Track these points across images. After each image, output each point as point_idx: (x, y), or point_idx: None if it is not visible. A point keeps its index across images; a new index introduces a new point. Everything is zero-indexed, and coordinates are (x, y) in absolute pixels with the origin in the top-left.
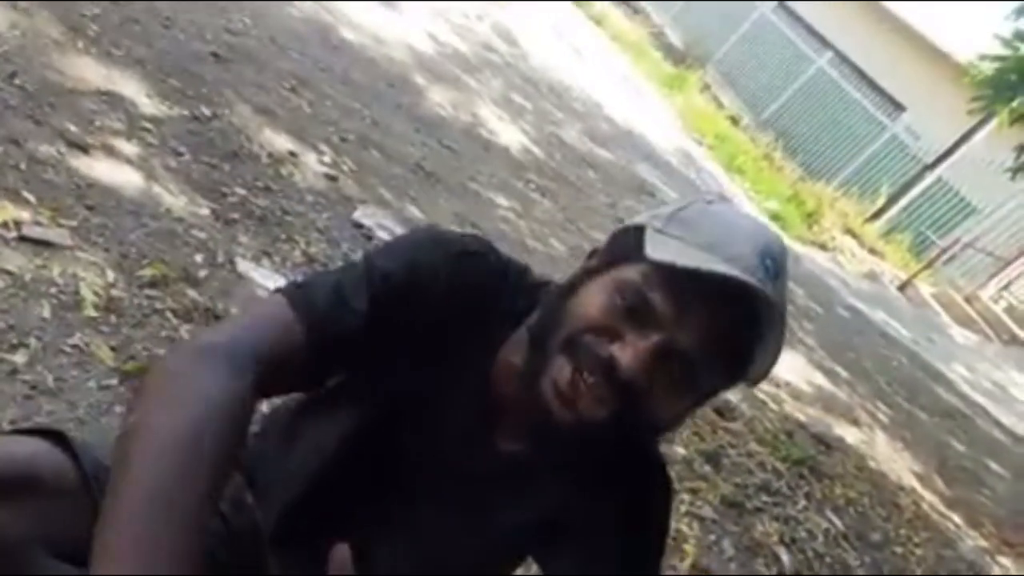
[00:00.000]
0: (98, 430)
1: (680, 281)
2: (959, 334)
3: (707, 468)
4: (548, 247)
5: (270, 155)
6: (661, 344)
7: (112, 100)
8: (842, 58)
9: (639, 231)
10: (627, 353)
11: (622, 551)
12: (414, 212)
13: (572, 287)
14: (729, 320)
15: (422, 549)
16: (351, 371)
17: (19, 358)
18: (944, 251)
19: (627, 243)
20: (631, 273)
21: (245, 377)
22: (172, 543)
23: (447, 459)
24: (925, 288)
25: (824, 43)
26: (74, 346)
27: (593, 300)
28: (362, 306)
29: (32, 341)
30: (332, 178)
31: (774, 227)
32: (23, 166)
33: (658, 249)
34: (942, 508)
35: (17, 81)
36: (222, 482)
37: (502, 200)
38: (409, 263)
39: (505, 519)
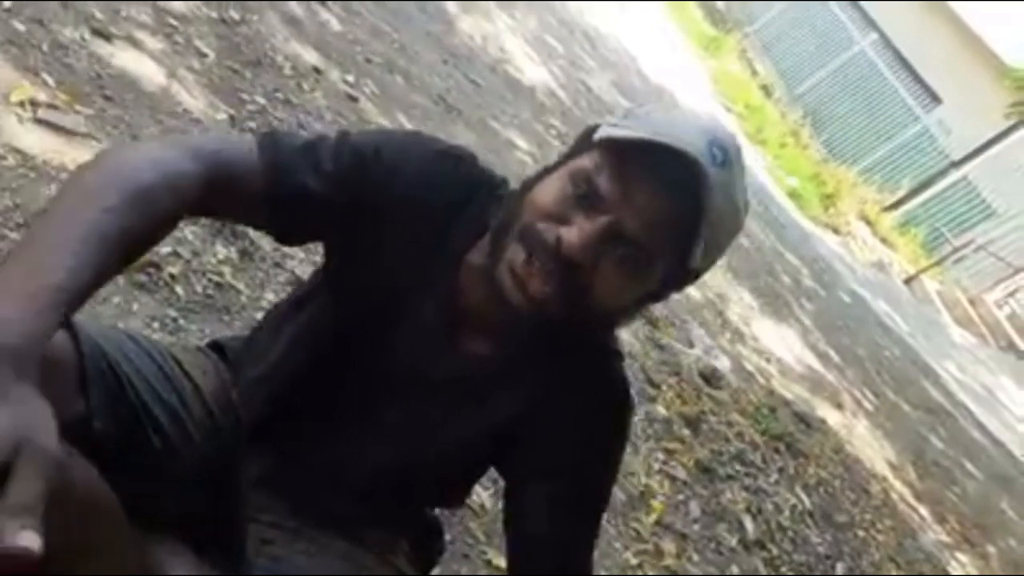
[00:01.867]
0: (92, 315)
1: (625, 160)
2: (957, 334)
3: (686, 431)
4: None
5: (294, 68)
6: (607, 225)
7: None
8: (886, 42)
9: (595, 127)
10: (573, 233)
11: (577, 461)
12: None
13: (532, 182)
14: (671, 196)
15: (387, 449)
16: (313, 240)
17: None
18: (956, 250)
19: (583, 139)
20: (583, 162)
21: (196, 165)
22: (44, 271)
23: (414, 361)
24: (931, 284)
25: (871, 25)
26: None
27: (547, 190)
28: (328, 167)
29: None
30: (353, 99)
31: (791, 203)
32: (45, 47)
33: (605, 132)
34: (910, 499)
35: None
36: (136, 240)
37: (521, 142)
38: (383, 146)
39: (467, 423)
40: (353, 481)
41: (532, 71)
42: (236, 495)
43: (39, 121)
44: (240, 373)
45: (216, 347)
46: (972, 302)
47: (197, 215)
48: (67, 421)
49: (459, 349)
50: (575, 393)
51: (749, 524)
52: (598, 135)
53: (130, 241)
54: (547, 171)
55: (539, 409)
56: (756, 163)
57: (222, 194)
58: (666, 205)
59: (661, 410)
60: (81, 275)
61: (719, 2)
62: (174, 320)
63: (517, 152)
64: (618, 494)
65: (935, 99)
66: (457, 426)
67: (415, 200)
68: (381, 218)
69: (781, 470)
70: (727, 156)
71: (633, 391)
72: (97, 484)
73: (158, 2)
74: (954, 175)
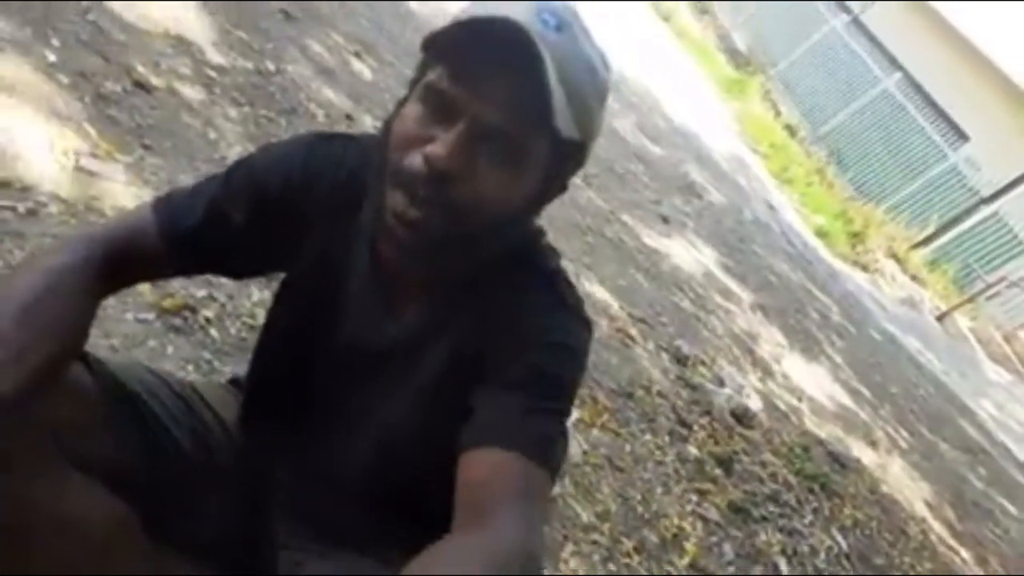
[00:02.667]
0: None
1: (460, 56)
2: (992, 371)
3: (718, 471)
4: (588, 237)
5: (327, 115)
6: (466, 126)
7: (180, 45)
8: (910, 81)
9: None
10: (437, 147)
11: (523, 377)
12: None
13: (388, 123)
14: (511, 72)
15: (364, 438)
16: (250, 263)
17: None
18: (989, 287)
19: (421, 60)
20: (427, 79)
21: (83, 252)
22: None
23: (358, 342)
24: (964, 321)
25: (894, 64)
26: None
27: (404, 121)
28: (219, 195)
29: None
30: None
31: (819, 241)
32: (88, 100)
33: (432, 33)
34: (950, 541)
35: (91, 17)
36: (57, 334)
37: None
38: (268, 151)
39: (423, 388)
40: (350, 485)
41: None
42: (265, 517)
43: (80, 169)
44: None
45: (238, 383)
46: (1007, 338)
47: (114, 289)
48: (94, 457)
49: (395, 317)
50: (507, 311)
51: (784, 566)
52: (424, 40)
53: (35, 346)
54: (399, 106)
55: (476, 344)
56: (783, 202)
57: (125, 262)
58: (510, 82)
59: (693, 450)
60: None
61: (741, 45)
62: (208, 362)
63: None
64: (650, 537)
65: (962, 136)
66: (416, 391)
67: (314, 187)
68: (292, 216)
69: (816, 511)
70: (559, 18)
71: (576, 294)
72: (115, 515)
73: (196, 54)
74: (984, 211)
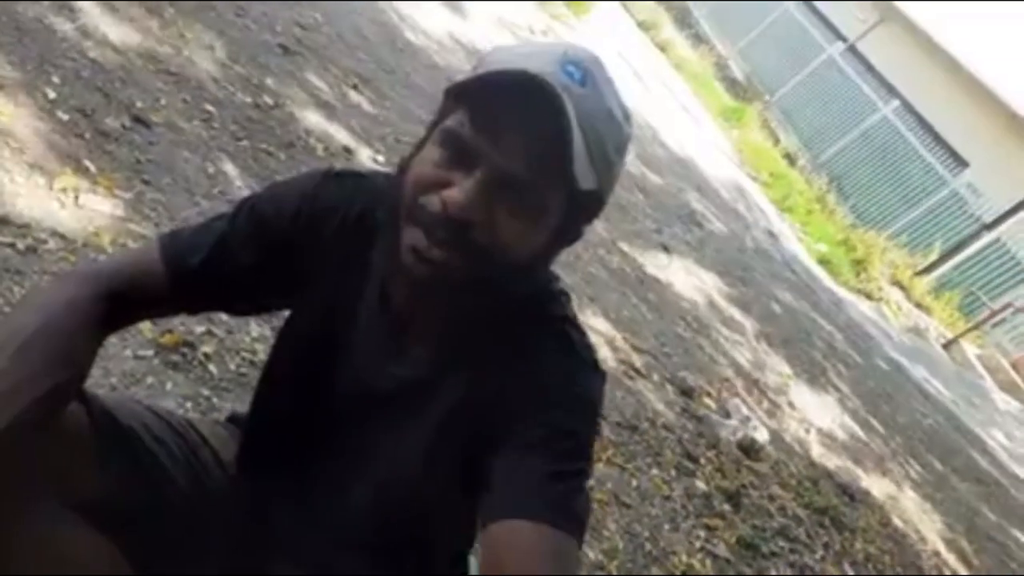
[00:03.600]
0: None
1: (482, 104)
2: (1001, 400)
3: (726, 506)
4: (590, 268)
5: (326, 149)
6: (485, 175)
7: (179, 81)
8: (908, 108)
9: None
10: (455, 193)
11: (542, 437)
12: None
13: (405, 163)
14: (534, 124)
15: (363, 476)
16: (252, 300)
17: None
18: (994, 313)
19: (442, 104)
20: (447, 124)
21: (85, 289)
22: None
23: (367, 381)
24: (971, 349)
25: (891, 92)
26: None
27: (421, 163)
28: (225, 231)
29: None
30: None
31: (821, 270)
32: (88, 136)
33: (455, 81)
34: (964, 575)
35: (91, 54)
36: (54, 370)
37: None
38: (277, 190)
39: (427, 427)
40: (349, 529)
41: None
42: (261, 560)
43: (80, 206)
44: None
45: (236, 420)
46: (1015, 366)
47: (119, 326)
48: (85, 495)
49: (406, 356)
50: (520, 361)
51: None
52: (448, 87)
53: (36, 378)
54: (417, 147)
55: (487, 388)
56: (784, 230)
57: (129, 299)
58: (532, 133)
59: (700, 485)
60: None
61: (739, 74)
62: (207, 398)
63: None
64: (659, 575)
65: (961, 163)
66: (420, 434)
67: (323, 224)
68: (300, 254)
69: (827, 545)
70: (584, 70)
71: (588, 338)
72: (104, 554)
73: (195, 90)
74: (987, 237)
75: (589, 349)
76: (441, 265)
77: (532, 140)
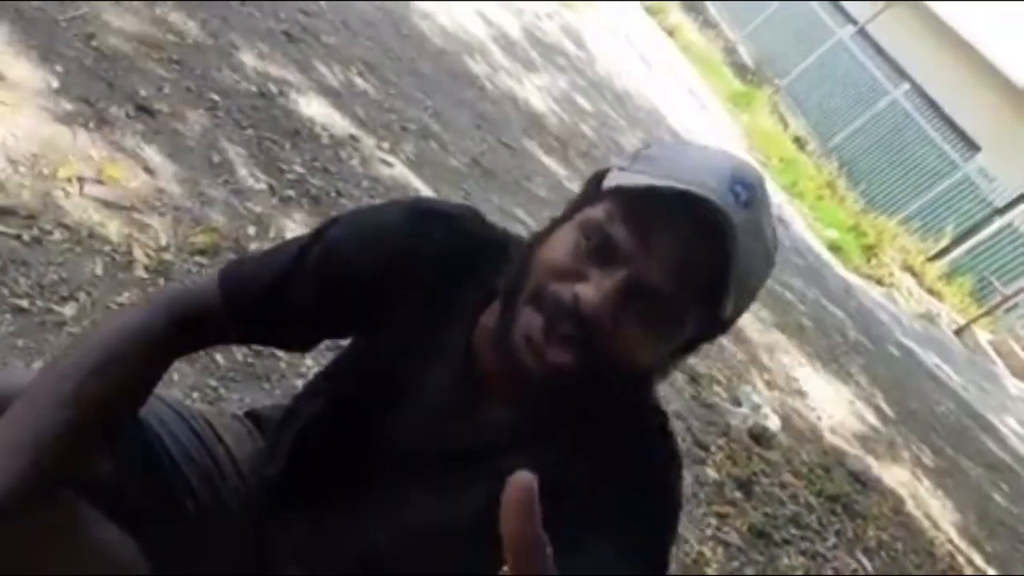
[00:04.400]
0: None
1: (640, 209)
2: (1013, 385)
3: (738, 494)
4: None
5: (331, 137)
6: (626, 279)
7: (183, 68)
8: (919, 91)
9: (605, 173)
10: (590, 290)
11: (617, 527)
12: None
13: (540, 238)
14: (694, 246)
15: (404, 530)
16: (317, 337)
17: (68, 311)
18: (1007, 299)
19: (593, 186)
20: (594, 212)
21: (158, 317)
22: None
23: (430, 435)
24: (983, 335)
25: (902, 74)
26: (122, 304)
27: (558, 246)
28: (286, 264)
29: (82, 296)
30: (389, 165)
31: (832, 255)
32: (92, 125)
33: (616, 180)
34: (979, 561)
35: (94, 43)
36: (119, 395)
37: (556, 201)
38: (354, 223)
39: (487, 494)
40: (367, 568)
41: (564, 132)
42: (270, 562)
43: (84, 196)
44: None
45: (252, 415)
46: None
47: (181, 353)
48: (98, 486)
49: (478, 418)
50: (605, 454)
51: None
52: (607, 184)
53: (106, 401)
54: (555, 224)
55: (564, 474)
56: (794, 216)
57: (192, 328)
58: (690, 256)
59: (711, 473)
60: (59, 438)
61: (747, 58)
62: (214, 389)
63: (551, 211)
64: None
65: (973, 147)
66: (478, 499)
67: (407, 267)
68: (379, 294)
69: (839, 533)
70: (751, 194)
71: (681, 451)
72: (120, 549)
73: (199, 78)
74: (999, 222)
75: (679, 462)
76: (553, 366)
77: (689, 262)
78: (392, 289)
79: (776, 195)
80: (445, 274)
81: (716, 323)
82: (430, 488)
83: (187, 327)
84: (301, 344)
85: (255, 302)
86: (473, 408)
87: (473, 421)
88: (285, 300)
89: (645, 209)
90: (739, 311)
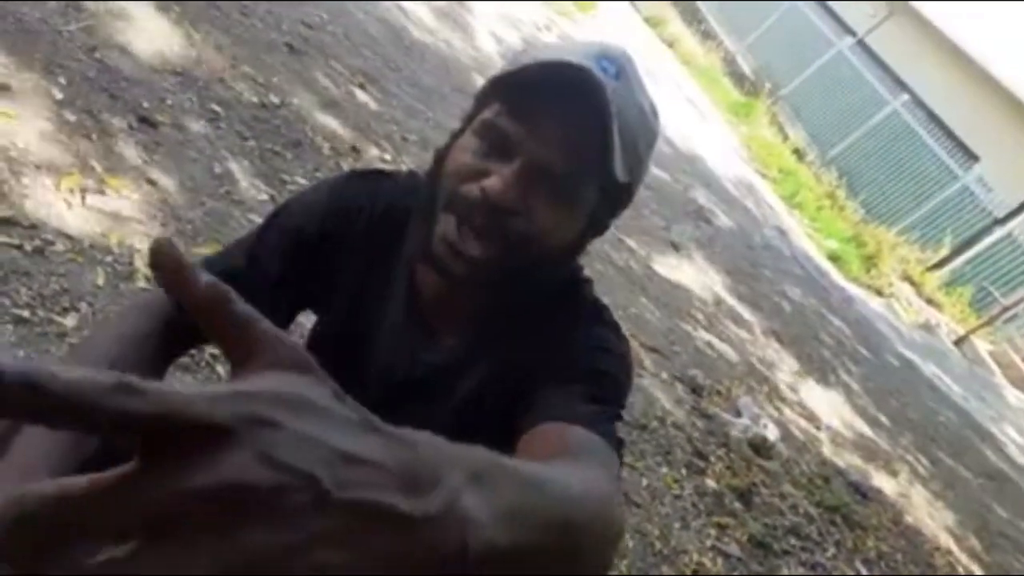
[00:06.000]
0: None
1: (521, 96)
2: (1013, 396)
3: (737, 505)
4: (597, 264)
5: (332, 147)
6: (523, 165)
7: (186, 80)
8: (918, 102)
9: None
10: (495, 181)
11: (577, 375)
12: None
13: (443, 153)
14: (573, 115)
15: None
16: (285, 313)
17: (69, 321)
18: (1006, 309)
19: (481, 93)
20: (485, 114)
21: (150, 323)
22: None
23: (393, 370)
24: (982, 345)
25: (901, 85)
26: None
27: (460, 153)
28: (252, 242)
29: (84, 306)
30: None
31: (832, 266)
32: (94, 136)
33: (497, 76)
34: (978, 572)
35: (97, 55)
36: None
37: None
38: (301, 195)
39: (460, 406)
40: None
41: None
42: None
43: (87, 207)
44: None
45: None
46: None
47: (178, 355)
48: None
49: (435, 343)
50: (552, 335)
51: None
52: (488, 80)
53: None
54: (455, 136)
55: (519, 362)
56: (793, 227)
57: (181, 328)
58: (572, 124)
59: (711, 483)
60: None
61: (747, 69)
62: None
63: None
64: (670, 574)
65: (972, 157)
66: (449, 413)
67: (350, 222)
68: (329, 256)
69: (839, 543)
70: (618, 66)
71: (620, 327)
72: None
73: (201, 90)
74: (999, 232)
75: (617, 325)
76: (472, 260)
77: (572, 130)
78: (340, 247)
79: (775, 206)
80: (384, 226)
81: (616, 188)
82: (408, 415)
83: (175, 330)
84: (275, 322)
85: (235, 281)
86: (429, 336)
87: (431, 347)
88: (255, 281)
89: (525, 93)
90: (635, 177)
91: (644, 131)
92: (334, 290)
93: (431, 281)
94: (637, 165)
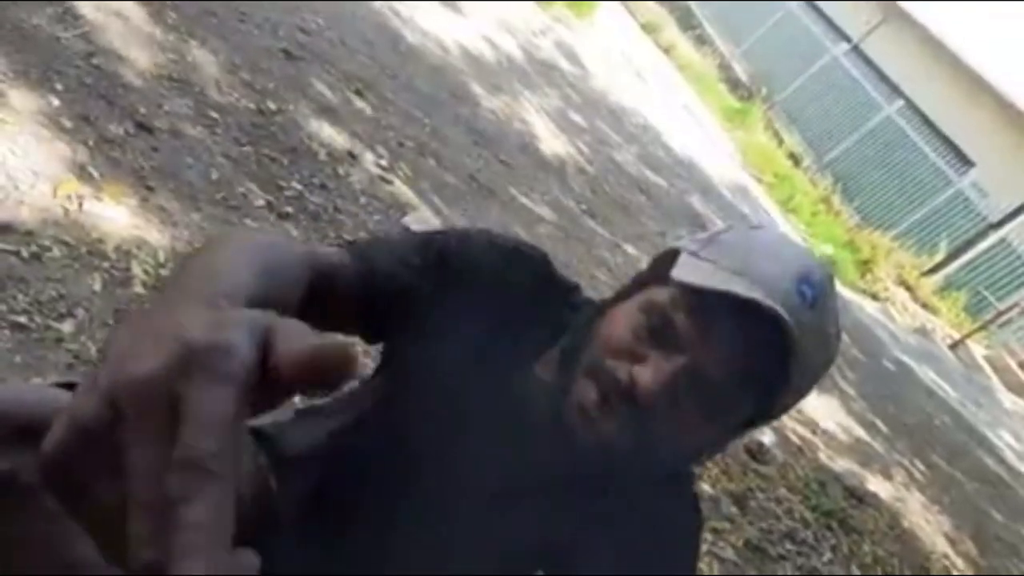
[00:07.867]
0: None
1: (704, 304)
2: (1009, 400)
3: (733, 509)
4: (592, 270)
5: (329, 154)
6: (683, 367)
7: (183, 87)
8: (913, 108)
9: (675, 253)
10: (647, 374)
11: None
12: (463, 222)
13: (603, 309)
14: (754, 347)
15: (427, 556)
16: (395, 336)
17: (66, 327)
18: (1001, 313)
19: (661, 265)
20: (659, 295)
21: (301, 262)
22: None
23: (466, 465)
24: (978, 349)
25: (895, 91)
26: (120, 320)
27: (620, 322)
28: (415, 262)
29: (80, 312)
30: (387, 181)
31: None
32: (91, 142)
33: (686, 271)
34: None
35: (95, 61)
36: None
37: (552, 218)
38: (464, 241)
39: (516, 537)
40: None
41: (559, 149)
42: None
43: (84, 213)
44: (278, 459)
45: (252, 430)
46: (1022, 366)
47: (308, 314)
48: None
49: (520, 460)
50: (641, 516)
51: None
52: (676, 272)
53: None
54: (621, 297)
55: (600, 525)
56: (789, 232)
57: (321, 294)
58: (750, 355)
59: (707, 488)
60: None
61: (743, 75)
62: None
63: (548, 227)
64: None
65: (967, 162)
66: (506, 540)
67: (489, 294)
68: (456, 312)
69: (835, 548)
70: (816, 293)
71: (701, 509)
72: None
73: (198, 96)
74: (993, 237)
75: (699, 523)
76: (605, 439)
77: (749, 361)
78: (470, 310)
79: (771, 211)
80: (515, 309)
81: (771, 412)
82: (462, 517)
83: (320, 288)
84: (387, 335)
85: (388, 288)
86: (515, 448)
87: (513, 462)
88: (402, 276)
89: (707, 305)
90: (795, 400)
91: (820, 363)
92: (444, 338)
93: (542, 406)
94: (800, 395)
